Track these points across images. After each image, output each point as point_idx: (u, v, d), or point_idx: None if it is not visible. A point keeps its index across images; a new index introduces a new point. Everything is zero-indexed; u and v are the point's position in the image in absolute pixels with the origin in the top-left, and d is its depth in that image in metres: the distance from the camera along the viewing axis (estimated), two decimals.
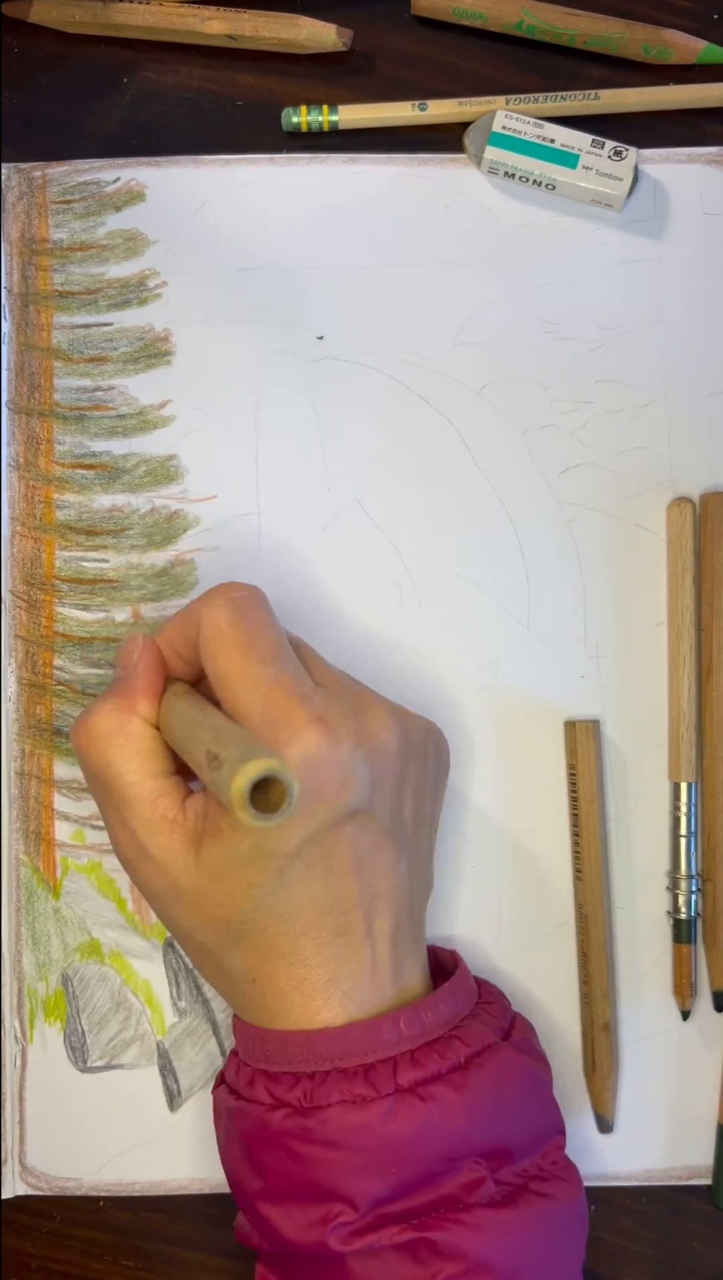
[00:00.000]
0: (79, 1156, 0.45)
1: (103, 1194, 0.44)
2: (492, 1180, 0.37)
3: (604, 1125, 0.44)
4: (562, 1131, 0.40)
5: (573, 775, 0.45)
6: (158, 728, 0.39)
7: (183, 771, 0.39)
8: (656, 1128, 0.44)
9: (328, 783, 0.36)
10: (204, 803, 0.37)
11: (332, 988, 0.37)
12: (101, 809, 0.39)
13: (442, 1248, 0.35)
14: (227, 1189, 0.44)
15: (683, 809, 0.44)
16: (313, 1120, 0.36)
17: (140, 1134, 0.45)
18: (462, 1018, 0.38)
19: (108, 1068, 0.45)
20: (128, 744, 0.38)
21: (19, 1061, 0.45)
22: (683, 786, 0.44)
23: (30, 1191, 0.44)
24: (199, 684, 0.40)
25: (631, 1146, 0.44)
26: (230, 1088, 0.39)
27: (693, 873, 0.44)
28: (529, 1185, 0.37)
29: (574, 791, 0.44)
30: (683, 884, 0.44)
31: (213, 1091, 0.40)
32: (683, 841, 0.44)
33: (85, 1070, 0.45)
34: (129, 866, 0.39)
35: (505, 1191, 0.37)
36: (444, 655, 0.46)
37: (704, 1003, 0.45)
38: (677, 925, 0.44)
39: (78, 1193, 0.44)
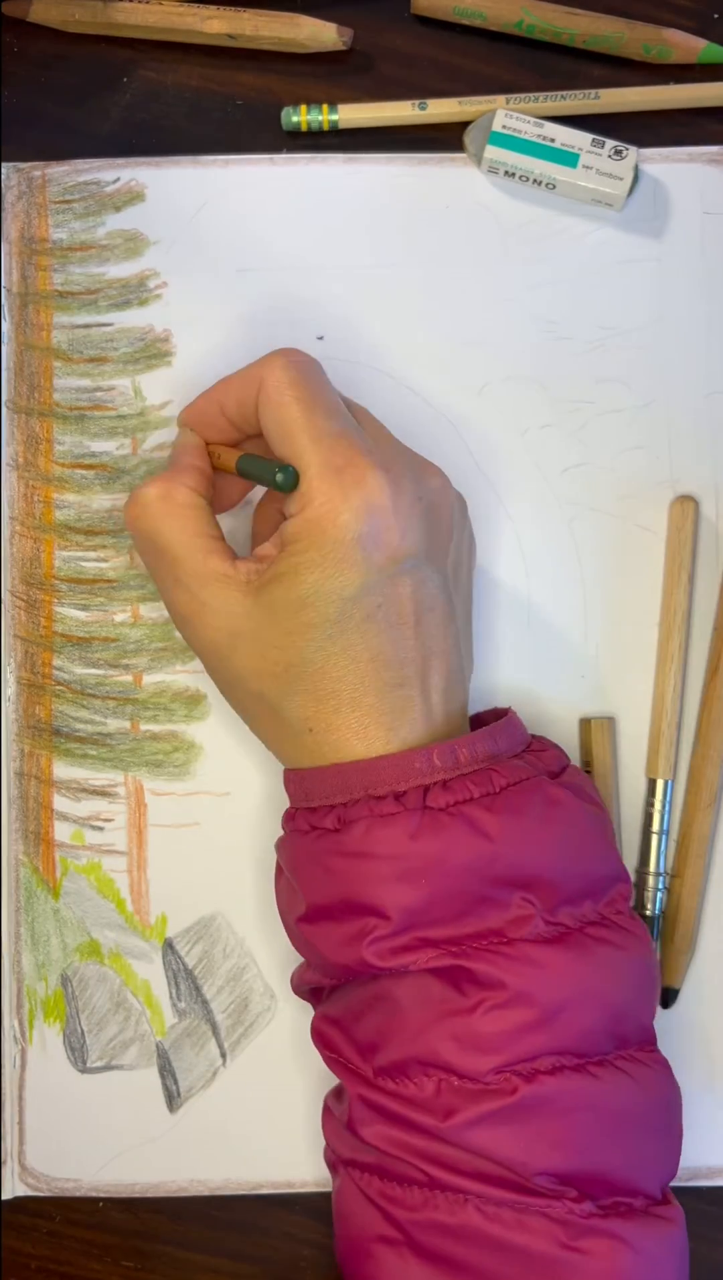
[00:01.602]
0: (79, 1157, 0.44)
1: (102, 1195, 0.44)
2: (542, 919, 0.36)
3: None
4: (626, 880, 0.39)
5: (588, 772, 0.45)
6: (205, 498, 0.40)
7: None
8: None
9: (390, 530, 0.37)
10: (256, 560, 0.39)
11: (391, 736, 0.37)
12: (155, 576, 0.40)
13: (481, 978, 0.35)
14: (226, 1190, 0.44)
15: (657, 806, 0.44)
16: (343, 835, 0.36)
17: (140, 1135, 0.45)
18: (504, 758, 0.38)
19: (107, 1068, 0.45)
20: (175, 509, 0.39)
21: (18, 1062, 0.45)
22: (659, 783, 0.44)
23: (30, 1192, 0.44)
24: (241, 445, 0.42)
25: None
26: (282, 834, 0.40)
27: (662, 870, 0.44)
28: (586, 929, 0.37)
29: None
30: (651, 881, 0.44)
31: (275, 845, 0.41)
32: (655, 838, 0.44)
33: (85, 1071, 0.45)
34: (185, 625, 0.40)
35: (557, 932, 0.36)
36: None
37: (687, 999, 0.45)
38: None
39: (77, 1193, 0.44)
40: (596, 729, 0.45)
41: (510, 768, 0.37)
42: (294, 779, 0.39)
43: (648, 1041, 0.38)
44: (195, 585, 0.39)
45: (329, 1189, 0.44)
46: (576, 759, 0.45)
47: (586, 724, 0.45)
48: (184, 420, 0.42)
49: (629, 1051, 0.37)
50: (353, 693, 0.37)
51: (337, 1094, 0.39)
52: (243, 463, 0.40)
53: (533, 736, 0.41)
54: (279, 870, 0.40)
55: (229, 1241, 0.44)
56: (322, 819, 0.37)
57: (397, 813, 0.36)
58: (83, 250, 0.47)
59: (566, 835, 0.37)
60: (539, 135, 0.46)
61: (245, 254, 0.47)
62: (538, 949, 0.36)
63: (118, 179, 0.47)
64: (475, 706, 0.45)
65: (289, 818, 0.39)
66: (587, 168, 0.46)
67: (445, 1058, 0.35)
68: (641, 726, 0.45)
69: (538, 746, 0.40)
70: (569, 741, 0.45)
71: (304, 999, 0.41)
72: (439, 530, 0.39)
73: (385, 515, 0.37)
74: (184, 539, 0.39)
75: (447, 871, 0.36)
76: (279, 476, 0.37)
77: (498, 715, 0.42)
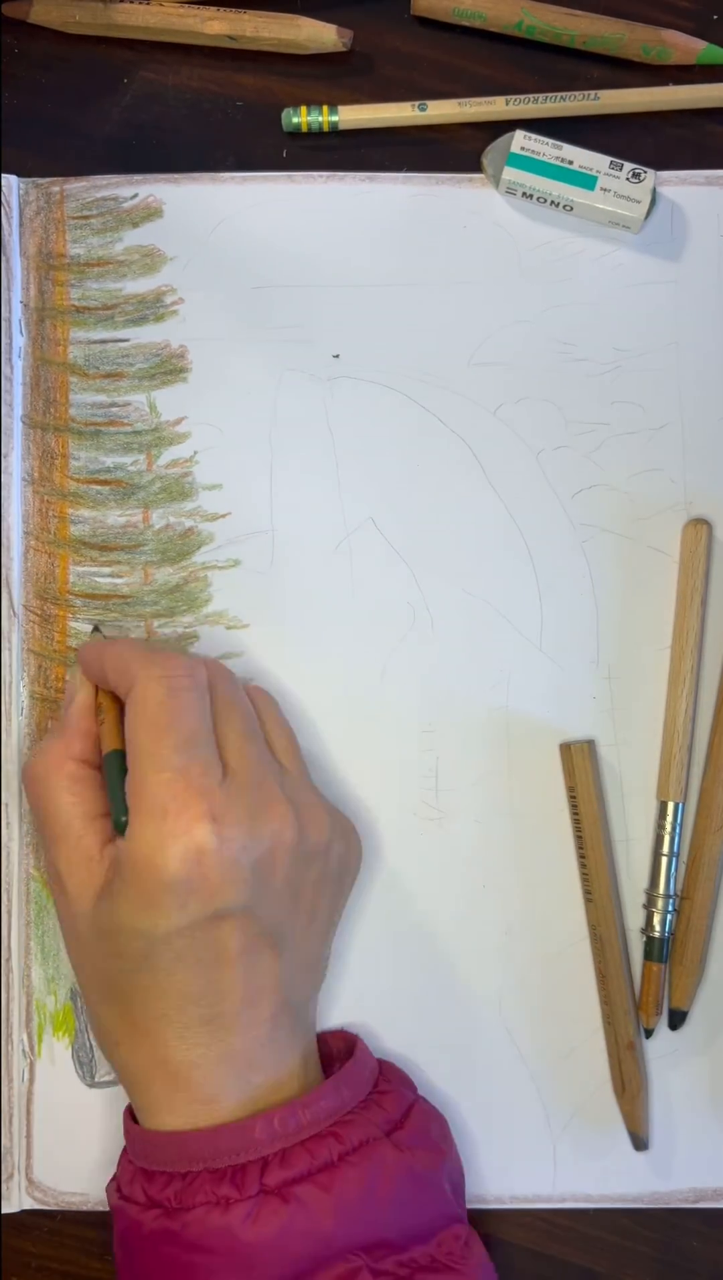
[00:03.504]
0: (85, 1171, 0.44)
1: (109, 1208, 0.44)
2: (368, 1270, 0.36)
3: (639, 1143, 0.44)
4: (459, 1220, 0.40)
5: (574, 797, 0.45)
6: (94, 767, 0.41)
7: None
8: (689, 1143, 0.45)
9: (206, 880, 0.37)
10: (117, 851, 0.38)
11: (192, 1072, 0.38)
12: (39, 841, 0.41)
13: None
14: None
15: (668, 828, 0.44)
16: (178, 1223, 0.36)
17: None
18: (346, 1111, 0.38)
19: (115, 1083, 0.45)
20: (63, 783, 0.40)
21: (26, 1076, 0.45)
22: (670, 806, 0.44)
23: (36, 1206, 0.44)
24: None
25: (662, 1164, 0.45)
26: (117, 1184, 0.39)
27: (672, 892, 0.44)
28: (415, 1276, 0.37)
29: (576, 813, 0.44)
30: (660, 903, 0.44)
31: (106, 1188, 0.40)
32: (664, 860, 0.44)
33: (93, 1085, 0.45)
34: (53, 895, 0.41)
35: None
36: (456, 675, 0.46)
37: (701, 1019, 0.45)
38: (649, 943, 0.44)
39: (84, 1208, 0.44)
40: (576, 754, 0.44)
41: (351, 1128, 0.38)
42: (133, 1133, 0.39)
43: None
44: (62, 865, 0.39)
45: None
46: (559, 784, 0.45)
47: (565, 749, 0.45)
48: (80, 660, 0.42)
49: None
50: (154, 1025, 0.38)
51: None
52: (108, 763, 0.40)
53: (381, 1066, 0.41)
54: (112, 1227, 0.39)
55: None
56: (159, 1191, 0.37)
57: (234, 1200, 0.36)
58: (100, 266, 0.47)
59: (400, 1197, 0.37)
60: (557, 157, 0.46)
61: (262, 271, 0.47)
62: None
63: (135, 195, 0.47)
64: (477, 744, 0.45)
65: (128, 1179, 0.38)
66: (605, 190, 0.46)
67: None
68: (652, 749, 0.45)
69: (383, 1086, 0.40)
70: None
71: None
72: (270, 875, 0.38)
73: (204, 865, 0.36)
74: (64, 818, 0.39)
75: (281, 1257, 0.36)
76: (122, 819, 0.38)
77: (345, 1041, 0.42)
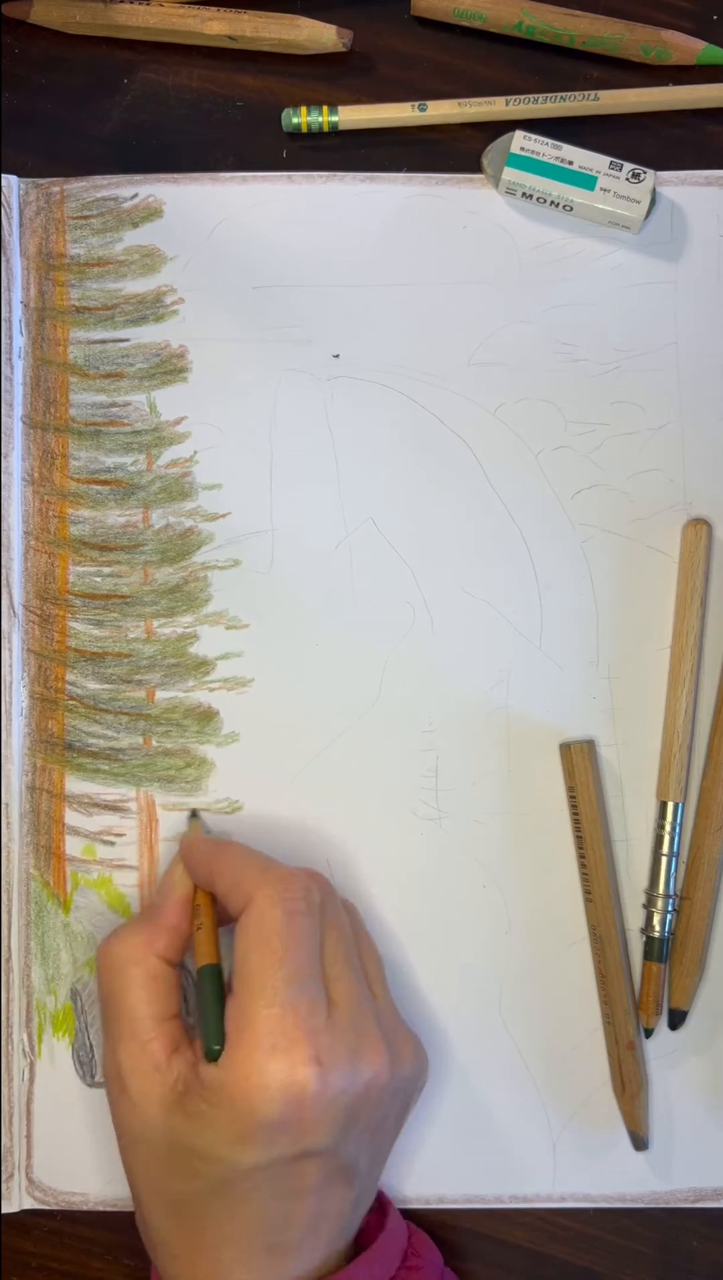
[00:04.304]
0: (86, 1171, 0.45)
1: (109, 1209, 0.44)
2: None
3: (639, 1143, 0.44)
4: None
5: (573, 796, 0.45)
6: (173, 966, 0.41)
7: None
8: (689, 1143, 0.45)
9: (301, 1121, 0.36)
10: (190, 1064, 0.38)
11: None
12: (103, 1022, 0.41)
13: None
14: None
15: (668, 828, 0.44)
16: None
17: None
18: None
19: None
20: (140, 978, 0.40)
21: (26, 1075, 0.45)
22: (670, 806, 0.44)
23: (36, 1205, 0.44)
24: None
25: (662, 1164, 0.45)
26: None
27: (672, 892, 0.44)
28: None
29: (576, 813, 0.45)
30: (660, 903, 0.44)
31: None
32: (664, 860, 0.44)
33: (93, 1085, 0.45)
34: (109, 1092, 0.40)
35: None
36: (456, 675, 0.46)
37: (697, 1019, 0.45)
38: (649, 943, 0.44)
39: (84, 1207, 0.44)
40: (576, 754, 0.45)
41: None
42: None
43: None
44: (126, 1067, 0.39)
45: None
46: (559, 784, 0.45)
47: (565, 749, 0.45)
48: (183, 853, 0.42)
49: None
50: (216, 1247, 0.37)
51: None
52: (203, 979, 0.40)
53: (410, 1235, 0.41)
54: None
55: None
56: None
57: None
58: (100, 266, 0.47)
59: None
60: (557, 157, 0.46)
61: (262, 271, 0.47)
62: None
63: (136, 195, 0.47)
64: (477, 744, 0.46)
65: None
66: (604, 190, 0.46)
67: None
68: (652, 749, 0.45)
69: (412, 1260, 0.40)
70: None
71: None
72: (359, 1115, 0.38)
73: (301, 1108, 0.36)
74: (135, 1017, 0.39)
75: None
76: (215, 1047, 0.38)
77: (378, 1203, 0.42)
